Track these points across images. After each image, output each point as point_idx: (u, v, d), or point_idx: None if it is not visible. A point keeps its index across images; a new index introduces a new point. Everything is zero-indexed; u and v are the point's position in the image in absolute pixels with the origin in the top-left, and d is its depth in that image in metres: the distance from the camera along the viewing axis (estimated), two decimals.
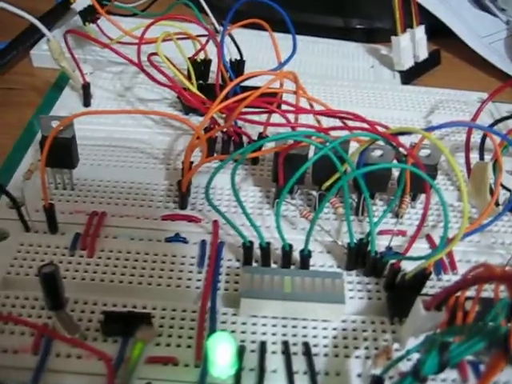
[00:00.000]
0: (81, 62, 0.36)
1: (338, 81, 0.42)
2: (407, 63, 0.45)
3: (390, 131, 0.25)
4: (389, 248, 0.28)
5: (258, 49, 0.43)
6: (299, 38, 0.34)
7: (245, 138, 0.32)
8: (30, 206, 0.28)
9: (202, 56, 0.36)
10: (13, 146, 0.34)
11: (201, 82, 0.35)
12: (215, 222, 0.28)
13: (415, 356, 0.22)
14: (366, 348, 0.24)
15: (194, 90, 0.31)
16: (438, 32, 0.48)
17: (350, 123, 0.29)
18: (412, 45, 0.45)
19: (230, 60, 0.37)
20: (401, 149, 0.26)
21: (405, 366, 0.23)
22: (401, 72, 0.45)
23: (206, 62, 0.36)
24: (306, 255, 0.26)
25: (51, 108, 0.37)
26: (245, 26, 0.35)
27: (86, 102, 0.36)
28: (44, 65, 0.42)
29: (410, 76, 0.45)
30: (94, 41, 0.33)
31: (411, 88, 0.43)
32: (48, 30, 0.36)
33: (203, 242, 0.28)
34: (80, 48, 0.42)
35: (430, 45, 0.46)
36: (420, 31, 0.45)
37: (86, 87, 0.36)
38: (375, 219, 0.27)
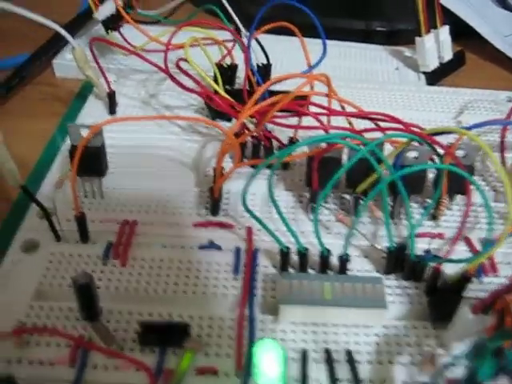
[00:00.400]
0: (106, 71, 0.36)
1: (364, 83, 0.41)
2: (432, 64, 0.44)
3: (428, 131, 0.24)
4: (427, 251, 0.28)
5: (282, 53, 0.42)
6: (320, 41, 0.34)
7: (275, 143, 0.31)
8: (60, 215, 0.28)
9: (227, 61, 0.35)
10: (40, 156, 0.34)
11: (227, 87, 0.35)
12: (249, 229, 0.28)
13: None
14: (410, 354, 0.23)
15: (223, 93, 0.30)
16: (462, 32, 0.47)
17: (383, 125, 0.29)
18: (436, 46, 0.44)
19: (257, 64, 0.37)
20: (438, 149, 0.26)
21: (452, 372, 0.22)
22: (426, 73, 0.44)
23: (233, 67, 0.36)
24: (344, 260, 0.25)
25: (76, 117, 0.36)
26: (268, 32, 0.34)
27: (112, 110, 0.36)
28: (67, 75, 0.42)
29: (435, 77, 0.44)
30: (121, 48, 0.33)
31: (438, 89, 0.42)
32: (72, 37, 0.36)
33: (238, 249, 0.27)
34: (103, 56, 0.42)
35: (454, 45, 0.45)
36: (444, 32, 0.44)
37: (111, 95, 0.36)
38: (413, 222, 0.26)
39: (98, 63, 0.35)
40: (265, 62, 0.37)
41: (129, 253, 0.27)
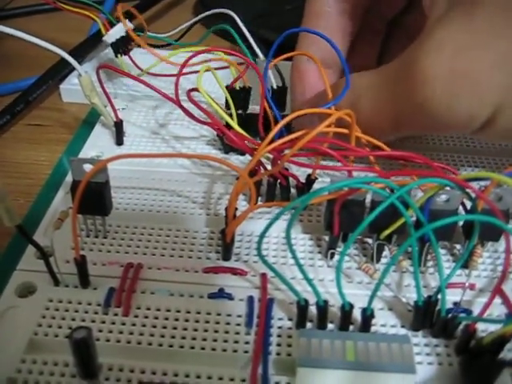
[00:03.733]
0: (112, 97, 0.34)
1: None
2: None
3: (463, 177, 0.22)
4: (456, 304, 0.25)
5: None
6: None
7: (291, 181, 0.29)
8: (59, 256, 0.26)
9: (240, 83, 0.33)
10: (41, 189, 0.32)
11: (240, 111, 0.33)
12: (263, 276, 0.26)
13: None
14: None
15: (238, 128, 0.28)
16: None
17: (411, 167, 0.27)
18: None
19: (271, 87, 0.35)
20: (471, 193, 0.23)
21: None
22: None
23: (246, 90, 0.33)
24: (368, 316, 0.23)
25: (81, 146, 0.34)
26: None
27: (119, 140, 0.34)
28: (74, 100, 0.41)
29: None
30: (129, 76, 0.31)
31: None
32: (79, 63, 0.34)
33: (251, 299, 0.25)
34: (111, 81, 0.40)
35: None
36: None
37: (118, 125, 0.34)
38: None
39: (104, 91, 0.33)
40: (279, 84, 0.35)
41: (132, 301, 0.24)
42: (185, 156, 0.31)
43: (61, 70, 0.41)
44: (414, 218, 0.24)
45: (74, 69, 0.34)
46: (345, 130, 0.26)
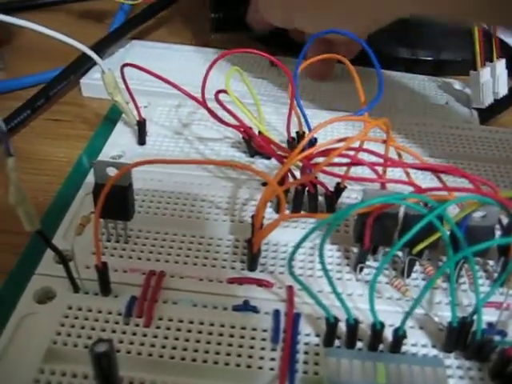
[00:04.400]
0: (135, 95, 0.33)
1: (409, 118, 0.38)
2: (487, 100, 0.41)
3: (506, 195, 0.21)
4: (491, 324, 0.24)
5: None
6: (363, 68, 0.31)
7: (319, 188, 0.28)
8: (79, 261, 0.25)
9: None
10: (60, 188, 0.31)
11: None
12: (290, 288, 0.25)
13: None
14: None
15: (266, 132, 0.27)
16: None
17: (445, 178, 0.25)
18: (492, 80, 0.41)
19: None
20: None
21: None
22: (479, 110, 0.41)
23: None
24: (400, 336, 0.22)
25: (102, 144, 0.34)
26: None
27: (141, 139, 0.33)
28: (95, 94, 0.40)
29: (488, 114, 0.41)
30: (154, 75, 0.30)
31: (494, 129, 0.38)
32: (100, 58, 0.33)
33: (277, 312, 0.24)
34: (133, 79, 0.39)
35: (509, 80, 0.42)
36: (501, 65, 0.41)
37: (141, 124, 0.33)
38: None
39: (128, 90, 0.32)
40: None
41: (154, 311, 0.24)
42: (211, 163, 0.30)
43: (82, 65, 0.40)
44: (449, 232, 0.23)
45: (95, 63, 0.33)
46: (379, 139, 0.25)
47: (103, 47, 0.42)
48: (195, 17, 0.52)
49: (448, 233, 0.22)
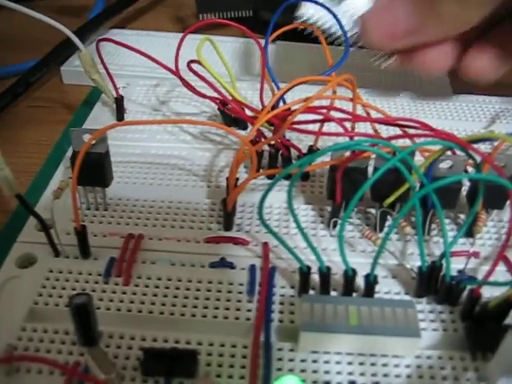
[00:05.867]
0: (114, 77, 0.34)
1: (385, 89, 0.39)
2: None
3: (468, 138, 0.22)
4: (461, 272, 0.25)
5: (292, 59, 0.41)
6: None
7: (293, 152, 0.29)
8: (60, 228, 0.25)
9: None
10: (42, 164, 0.32)
11: None
12: (265, 245, 0.25)
13: None
14: None
15: (239, 97, 0.28)
16: None
17: (413, 133, 0.26)
18: None
19: None
20: (476, 157, 0.23)
21: None
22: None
23: None
24: (372, 281, 0.23)
25: (82, 124, 0.34)
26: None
27: (119, 116, 0.34)
28: (75, 81, 0.40)
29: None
30: (130, 48, 0.31)
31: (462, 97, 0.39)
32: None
33: (253, 267, 0.24)
34: (113, 63, 0.40)
35: None
36: None
37: (119, 101, 0.33)
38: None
39: (105, 67, 0.32)
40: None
41: (133, 270, 0.24)
42: (184, 122, 0.30)
43: (62, 53, 0.41)
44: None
45: (75, 51, 0.34)
46: (346, 97, 0.25)
47: (82, 34, 0.42)
48: (180, 3, 0.53)
49: (415, 181, 0.23)
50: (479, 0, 0.25)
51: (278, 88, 0.30)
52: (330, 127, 0.28)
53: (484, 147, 0.30)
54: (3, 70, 0.42)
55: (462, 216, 0.28)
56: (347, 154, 0.24)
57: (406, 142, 0.26)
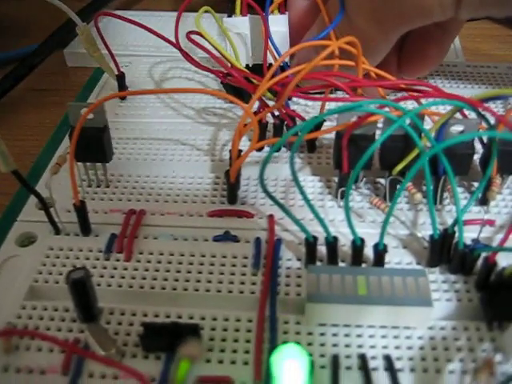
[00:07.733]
0: (115, 56, 0.33)
1: None
2: None
3: (479, 97, 0.21)
4: (475, 240, 0.24)
5: None
6: None
7: (299, 122, 0.28)
8: (60, 206, 0.25)
9: None
10: (45, 145, 0.31)
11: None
12: (271, 217, 0.24)
13: None
14: (461, 360, 0.20)
15: (241, 66, 0.27)
16: None
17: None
18: None
19: None
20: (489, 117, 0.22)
21: None
22: None
23: None
24: (381, 250, 0.22)
25: None
26: None
27: None
28: (79, 64, 0.40)
29: None
30: (130, 21, 0.30)
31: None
32: None
33: (258, 240, 0.24)
34: (115, 43, 0.39)
35: None
36: None
37: (120, 77, 0.33)
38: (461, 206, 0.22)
39: (105, 42, 0.32)
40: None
41: (134, 246, 0.24)
42: (187, 91, 0.30)
43: (65, 35, 0.40)
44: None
45: (77, 35, 0.33)
46: (350, 63, 0.24)
47: (85, 15, 0.41)
48: None
49: (424, 144, 0.22)
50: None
51: (279, 54, 0.29)
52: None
53: (497, 110, 0.28)
54: (6, 54, 0.41)
55: (476, 184, 0.27)
56: (354, 119, 0.23)
57: (416, 106, 0.25)
